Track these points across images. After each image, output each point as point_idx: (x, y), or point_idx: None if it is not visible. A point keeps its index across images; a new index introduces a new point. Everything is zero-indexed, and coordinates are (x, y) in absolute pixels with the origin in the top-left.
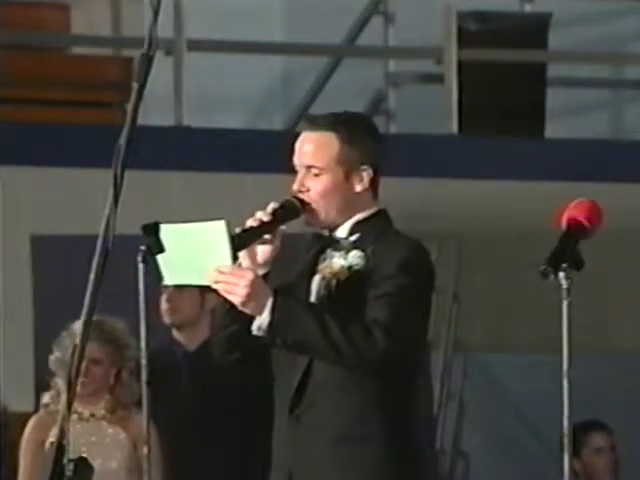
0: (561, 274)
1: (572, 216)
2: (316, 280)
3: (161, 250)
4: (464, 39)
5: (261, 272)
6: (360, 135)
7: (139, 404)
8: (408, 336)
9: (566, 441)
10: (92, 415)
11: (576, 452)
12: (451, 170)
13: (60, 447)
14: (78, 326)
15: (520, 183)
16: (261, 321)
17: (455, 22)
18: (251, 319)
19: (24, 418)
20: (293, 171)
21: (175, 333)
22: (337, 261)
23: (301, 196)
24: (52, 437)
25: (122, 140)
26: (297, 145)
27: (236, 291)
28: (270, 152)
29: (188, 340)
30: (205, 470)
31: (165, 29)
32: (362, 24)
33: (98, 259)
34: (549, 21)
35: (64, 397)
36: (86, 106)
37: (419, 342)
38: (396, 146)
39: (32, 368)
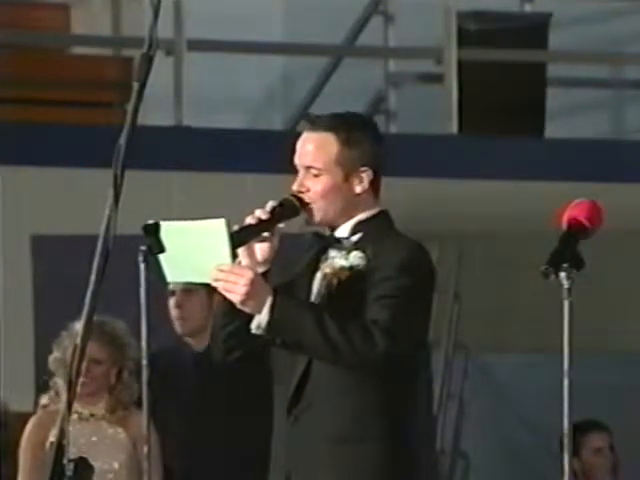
0: (562, 274)
1: (572, 216)
2: (317, 279)
3: (161, 250)
4: (464, 39)
5: (260, 270)
6: (360, 137)
7: (139, 404)
8: (407, 337)
9: (566, 441)
10: (92, 415)
11: (575, 452)
12: (451, 170)
13: (60, 447)
14: (78, 326)
15: (520, 183)
16: (260, 320)
17: (455, 22)
18: (250, 318)
19: (24, 418)
20: (293, 171)
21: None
22: (338, 261)
23: (301, 196)
24: (52, 437)
25: (122, 140)
26: (298, 145)
27: (235, 289)
28: (270, 152)
29: (197, 342)
30: (208, 469)
31: (165, 29)
32: (362, 24)
33: (98, 259)
34: (549, 21)
35: (64, 397)
36: (86, 106)
37: (419, 343)
38: (396, 146)
39: (32, 368)
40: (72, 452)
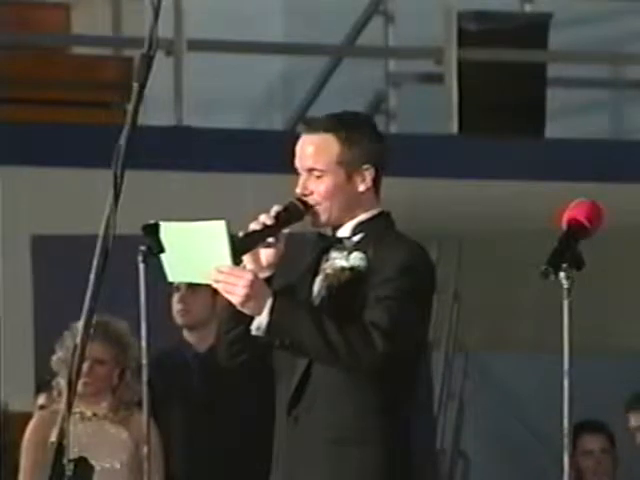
0: (562, 274)
1: (572, 216)
2: (318, 280)
3: (161, 250)
4: (464, 39)
5: (266, 274)
6: (359, 135)
7: (140, 404)
8: (406, 339)
9: (566, 441)
10: (94, 415)
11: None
12: (451, 170)
13: (60, 447)
14: (80, 326)
15: (520, 183)
16: (260, 321)
17: (455, 22)
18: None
19: (24, 418)
20: (293, 171)
21: (186, 334)
22: (339, 262)
23: (305, 199)
24: (53, 437)
25: (122, 140)
26: (297, 149)
27: (235, 291)
28: (270, 152)
29: (199, 341)
30: (212, 469)
31: (165, 29)
32: (362, 24)
33: (98, 259)
34: (549, 21)
35: (65, 397)
36: (86, 106)
37: (419, 343)
38: (396, 146)
39: (32, 368)
40: (74, 452)
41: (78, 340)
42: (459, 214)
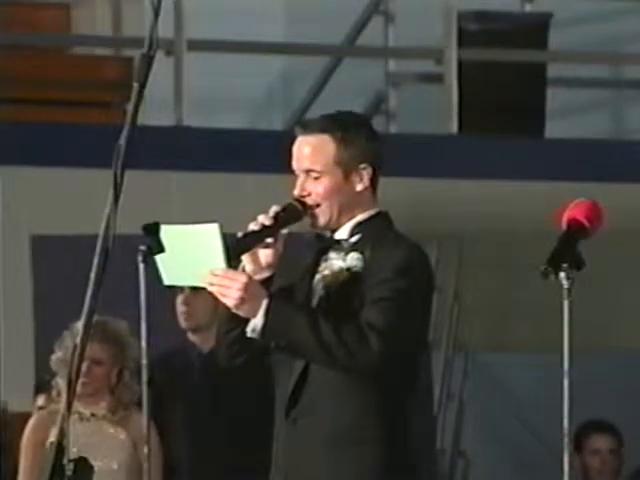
0: (562, 274)
1: (572, 216)
2: (316, 281)
3: (161, 250)
4: (464, 39)
5: (265, 275)
6: (355, 134)
7: (140, 404)
8: (403, 339)
9: (566, 441)
10: (93, 415)
11: (578, 452)
12: (451, 170)
13: (60, 447)
14: (80, 326)
15: (520, 183)
16: (255, 323)
17: (455, 22)
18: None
19: (24, 418)
20: (293, 172)
21: (190, 335)
22: (336, 263)
23: (303, 200)
24: (52, 437)
25: (122, 140)
26: (294, 150)
27: (229, 294)
28: (270, 152)
29: (202, 342)
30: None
31: (165, 29)
32: (362, 24)
33: (98, 259)
34: (549, 21)
35: (64, 397)
36: (86, 106)
37: (419, 344)
38: (396, 146)
39: (32, 368)
40: (73, 452)
41: (78, 340)
42: (459, 214)
